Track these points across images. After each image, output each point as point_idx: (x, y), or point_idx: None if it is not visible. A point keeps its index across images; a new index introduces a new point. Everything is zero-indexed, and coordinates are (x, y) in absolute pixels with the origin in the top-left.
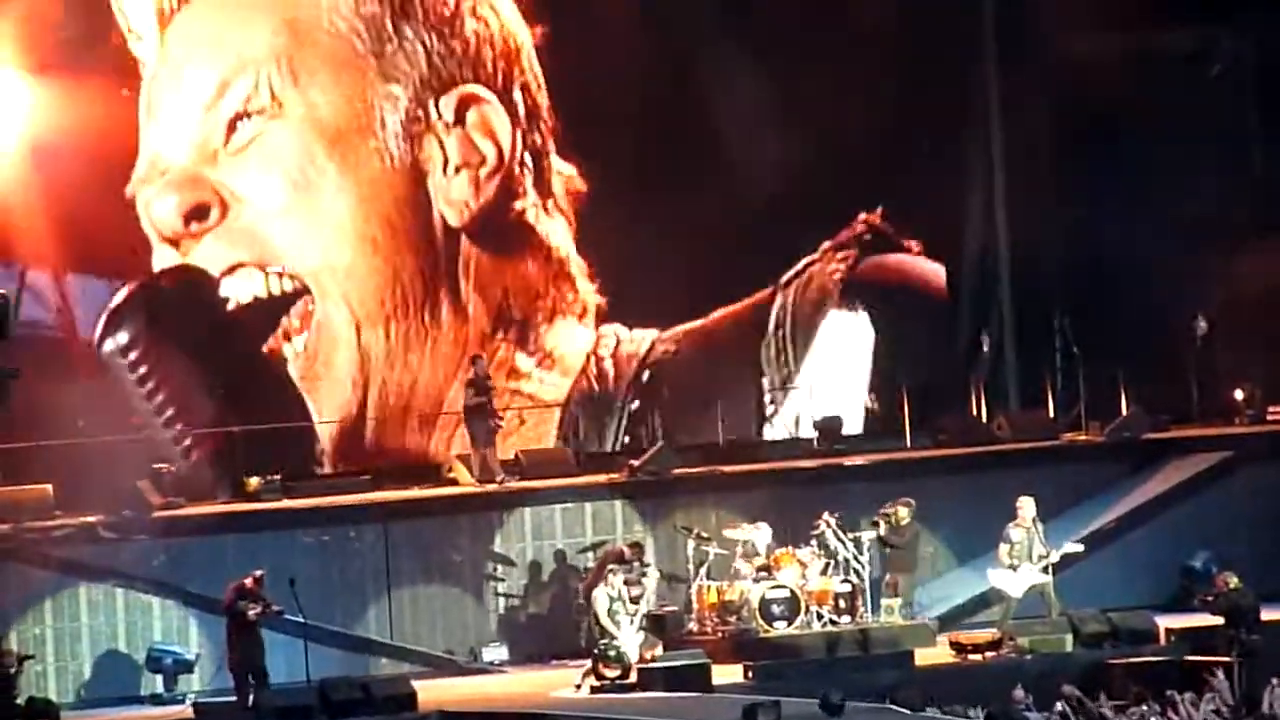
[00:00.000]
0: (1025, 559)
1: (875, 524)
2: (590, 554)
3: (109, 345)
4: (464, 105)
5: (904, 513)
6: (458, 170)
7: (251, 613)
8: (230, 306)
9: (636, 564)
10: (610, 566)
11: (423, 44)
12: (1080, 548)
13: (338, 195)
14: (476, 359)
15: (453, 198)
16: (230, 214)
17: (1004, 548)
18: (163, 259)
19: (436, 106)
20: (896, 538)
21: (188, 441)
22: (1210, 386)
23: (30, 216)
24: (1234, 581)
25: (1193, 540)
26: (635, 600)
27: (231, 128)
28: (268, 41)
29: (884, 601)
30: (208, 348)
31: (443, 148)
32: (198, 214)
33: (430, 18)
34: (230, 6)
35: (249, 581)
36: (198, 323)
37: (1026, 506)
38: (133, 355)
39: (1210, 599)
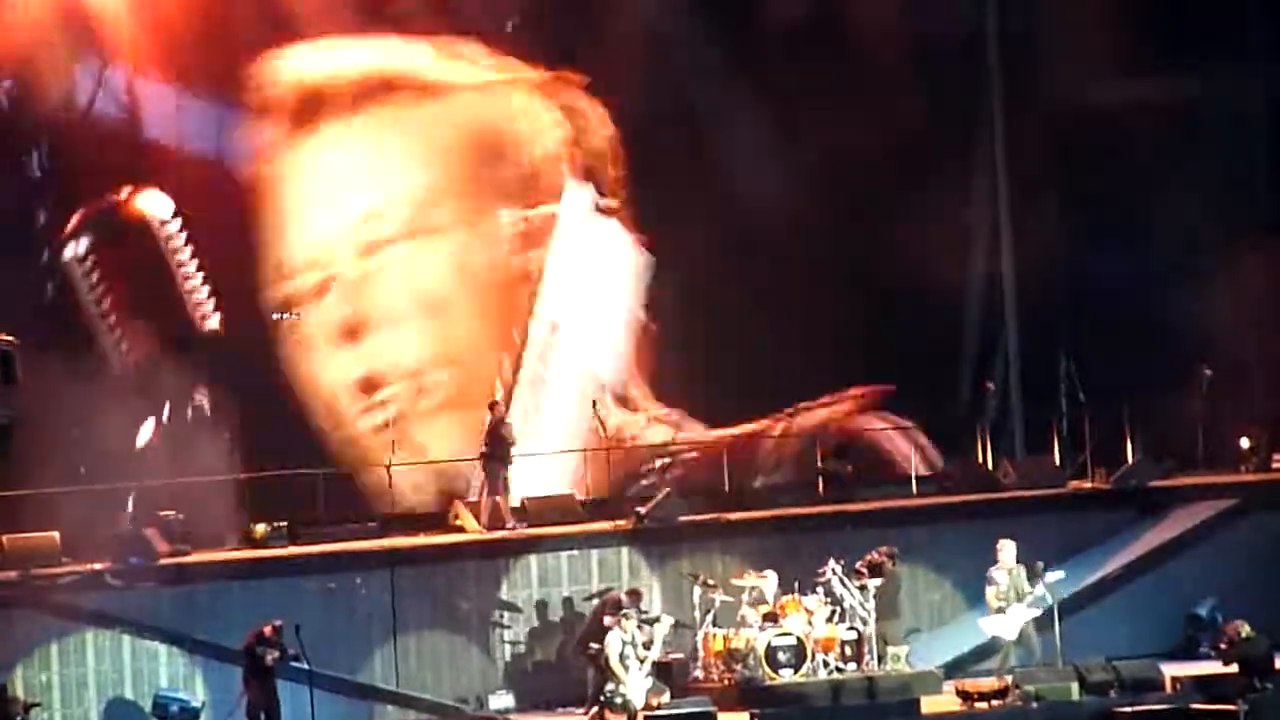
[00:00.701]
0: (1013, 599)
1: (859, 572)
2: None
3: (69, 252)
4: None
5: (887, 562)
6: None
7: (270, 658)
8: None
9: (634, 612)
10: (625, 611)
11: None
12: (1062, 574)
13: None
14: (494, 405)
15: None
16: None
17: (990, 590)
18: None
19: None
20: (880, 584)
21: (124, 345)
22: (1216, 434)
23: (118, 14)
24: (1246, 630)
25: (1198, 588)
26: (646, 646)
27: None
28: None
29: (890, 650)
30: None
31: None
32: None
33: None
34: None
35: (268, 629)
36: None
37: (1007, 549)
38: (87, 265)
39: (1223, 648)
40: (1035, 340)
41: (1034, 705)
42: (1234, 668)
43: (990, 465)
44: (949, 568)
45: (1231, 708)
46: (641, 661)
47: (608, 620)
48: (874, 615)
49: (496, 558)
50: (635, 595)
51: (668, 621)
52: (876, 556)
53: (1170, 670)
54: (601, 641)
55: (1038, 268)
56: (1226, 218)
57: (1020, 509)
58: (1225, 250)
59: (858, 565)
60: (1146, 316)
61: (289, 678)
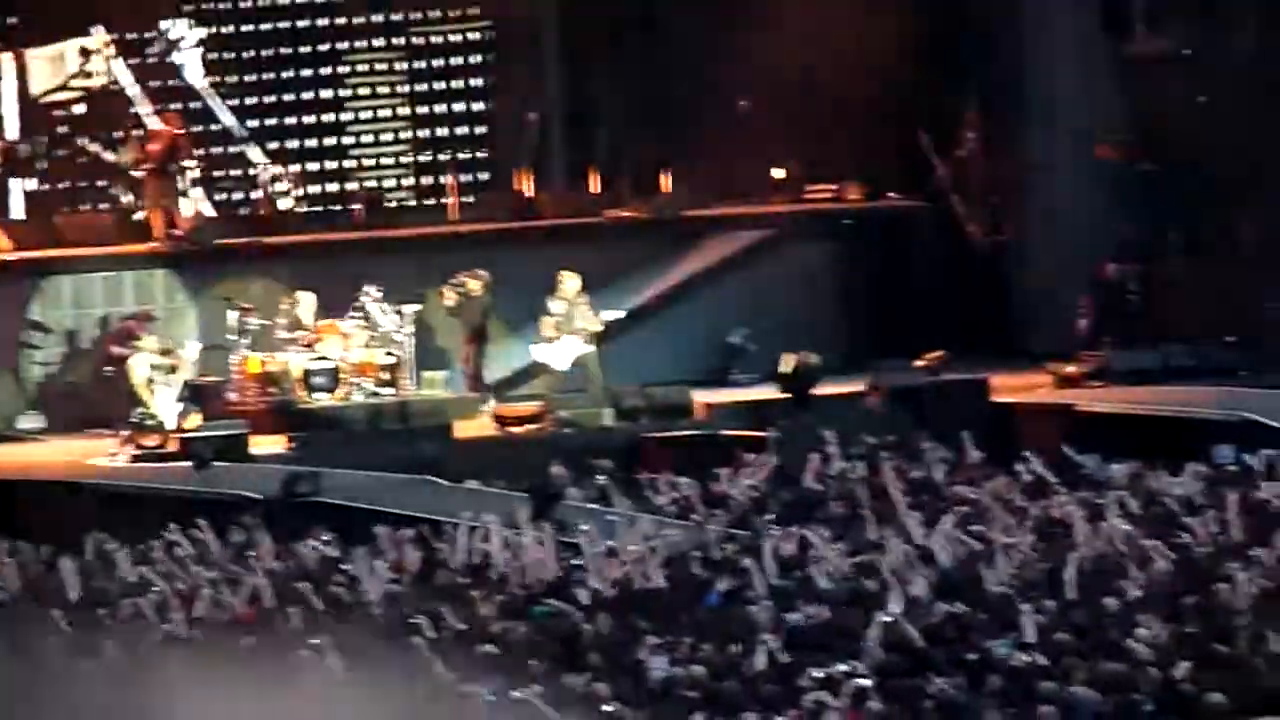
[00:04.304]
0: (567, 331)
1: (442, 294)
2: None
3: None
4: None
5: (475, 285)
6: None
7: None
8: None
9: (152, 335)
10: (138, 336)
11: None
12: (621, 314)
13: None
14: None
15: None
16: None
17: (545, 320)
18: None
19: None
20: (466, 309)
21: None
22: (750, 165)
23: None
24: (814, 360)
25: (733, 317)
26: (174, 370)
27: None
28: None
29: (426, 375)
30: None
31: None
32: None
33: None
34: None
35: None
36: None
37: (568, 280)
38: None
39: (784, 375)
40: (575, 74)
41: (567, 430)
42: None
43: (530, 195)
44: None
45: (762, 433)
46: (171, 384)
47: (115, 350)
48: (413, 340)
49: (25, 278)
50: (148, 318)
51: (195, 345)
52: (464, 277)
53: (703, 397)
54: (119, 367)
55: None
56: None
57: (559, 237)
58: None
59: (449, 282)
60: (686, 52)
61: None
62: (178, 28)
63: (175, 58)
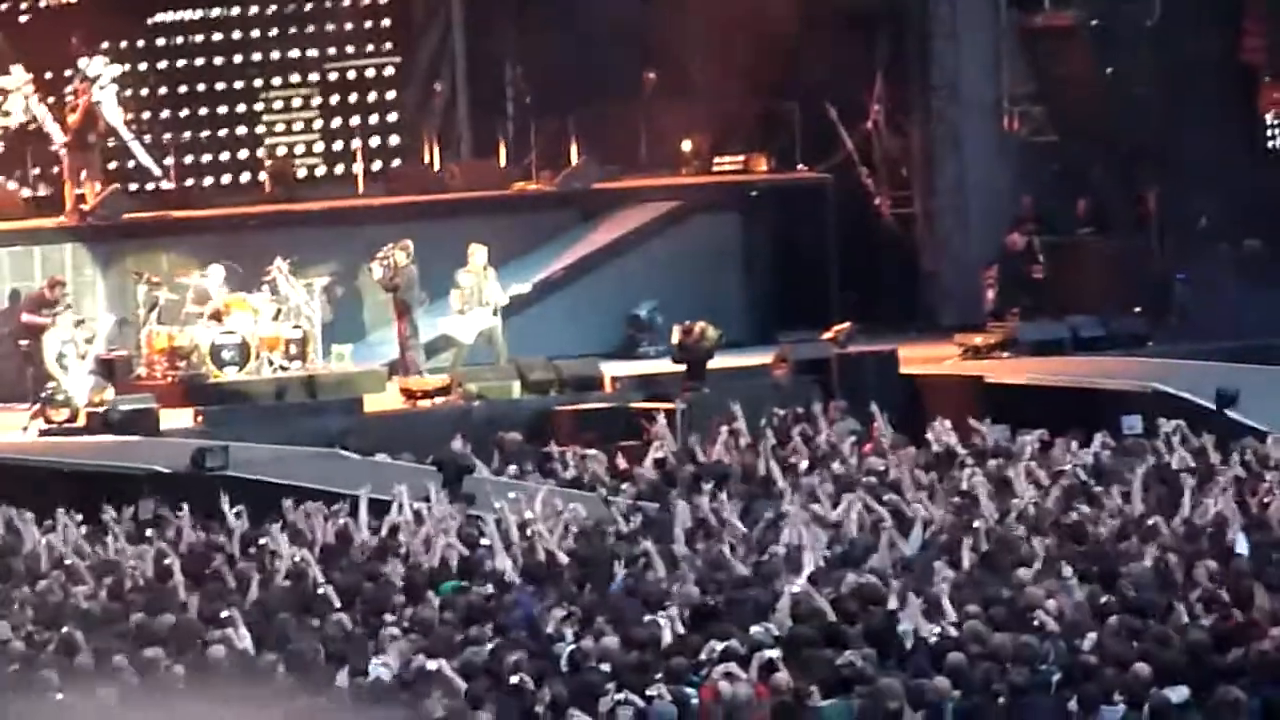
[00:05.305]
0: (475, 304)
1: (369, 269)
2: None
3: None
4: None
5: (401, 256)
6: None
7: None
8: None
9: (61, 303)
10: (53, 310)
11: None
12: (528, 287)
13: None
14: None
15: None
16: None
17: (454, 293)
18: None
19: None
20: (394, 281)
21: None
22: (658, 137)
23: None
24: (711, 333)
25: (639, 290)
26: (87, 343)
27: None
28: None
29: (334, 348)
30: None
31: None
32: None
33: None
34: None
35: None
36: None
37: (477, 253)
38: None
39: (680, 346)
40: (481, 46)
41: (476, 403)
42: (686, 366)
43: (437, 167)
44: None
45: (669, 405)
46: (82, 358)
47: (29, 318)
48: (319, 313)
49: None
50: (58, 285)
51: (108, 319)
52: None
53: (610, 369)
54: (30, 339)
55: None
56: None
57: (465, 210)
58: None
59: (376, 256)
60: (591, 19)
61: None
62: (94, 65)
63: (94, 95)
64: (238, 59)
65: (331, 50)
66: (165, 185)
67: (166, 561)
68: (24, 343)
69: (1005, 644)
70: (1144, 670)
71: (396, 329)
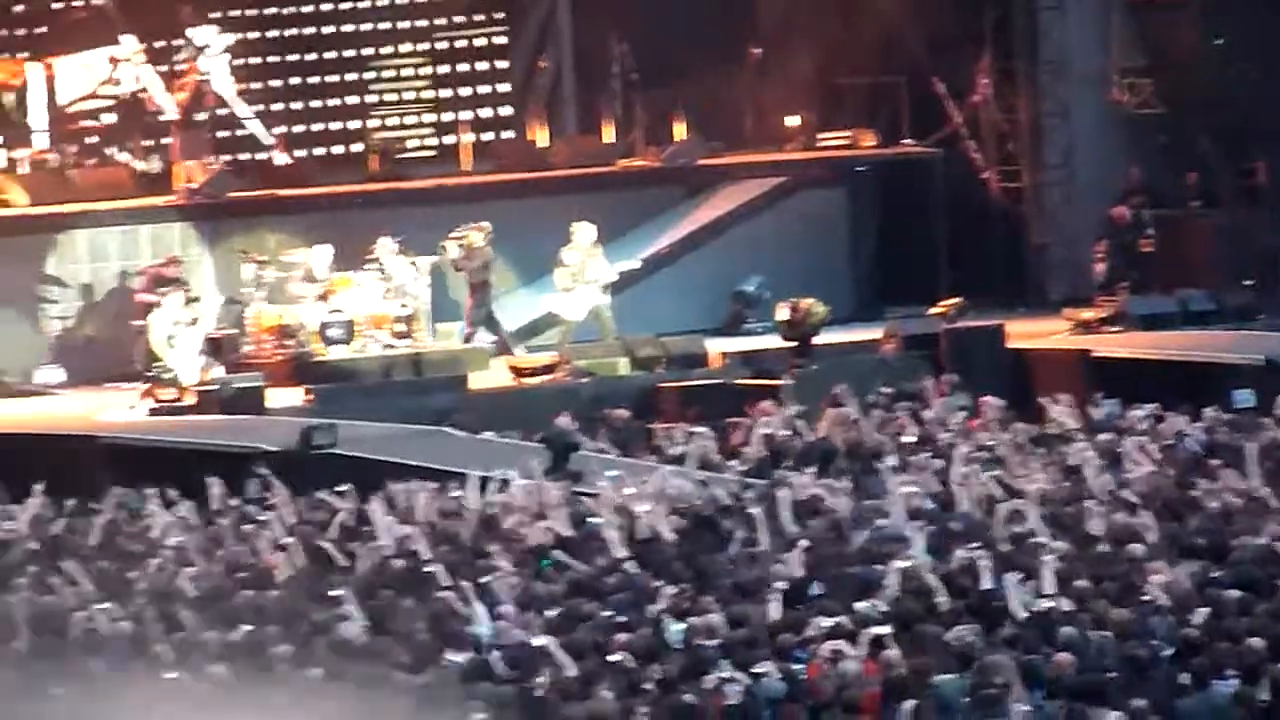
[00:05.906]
0: (581, 281)
1: (443, 248)
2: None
3: None
4: None
5: (477, 236)
6: None
7: None
8: None
9: (179, 281)
10: (164, 290)
11: None
12: (638, 264)
13: None
14: None
15: None
16: None
17: (559, 271)
18: None
19: None
20: (468, 261)
21: None
22: (763, 113)
23: None
24: (818, 309)
25: (746, 265)
26: (194, 323)
27: None
28: None
29: (439, 327)
30: None
31: None
32: None
33: None
34: None
35: None
36: None
37: (582, 231)
38: None
39: (789, 322)
40: (588, 19)
41: (583, 380)
42: (792, 343)
43: (543, 144)
44: (504, 245)
45: (776, 382)
46: (190, 337)
47: (144, 296)
48: (429, 292)
49: (43, 232)
50: (175, 263)
51: (216, 298)
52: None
53: (716, 345)
54: (144, 318)
55: None
56: None
57: (572, 186)
58: None
59: (450, 235)
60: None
61: None
62: (204, 34)
63: (202, 64)
64: (348, 28)
65: (441, 20)
66: (274, 156)
67: (274, 540)
68: (138, 323)
69: (1118, 619)
70: (1258, 644)
71: (466, 306)
